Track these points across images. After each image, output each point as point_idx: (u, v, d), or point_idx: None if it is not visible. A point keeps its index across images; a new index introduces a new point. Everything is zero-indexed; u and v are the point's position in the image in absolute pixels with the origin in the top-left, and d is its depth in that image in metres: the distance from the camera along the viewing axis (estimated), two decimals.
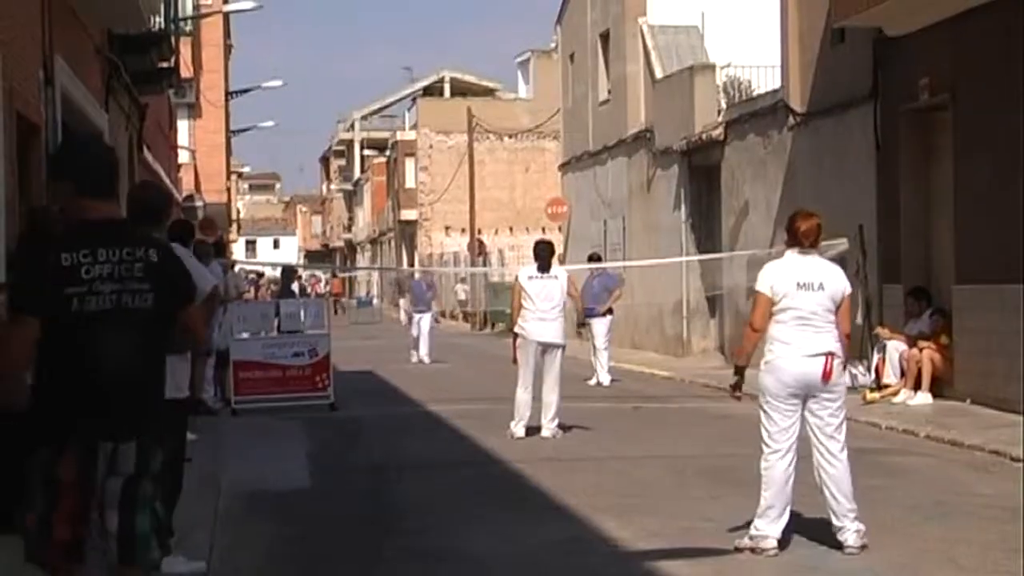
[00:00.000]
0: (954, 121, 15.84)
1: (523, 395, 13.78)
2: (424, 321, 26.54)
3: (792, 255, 8.16)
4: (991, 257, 14.85)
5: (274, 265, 60.04)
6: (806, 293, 7.98)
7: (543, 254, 14.16)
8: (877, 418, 14.53)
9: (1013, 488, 10.28)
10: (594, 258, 23.20)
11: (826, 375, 7.91)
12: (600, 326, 20.43)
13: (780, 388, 7.97)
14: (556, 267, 14.46)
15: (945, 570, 7.59)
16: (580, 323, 18.24)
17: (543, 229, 50.50)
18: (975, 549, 8.07)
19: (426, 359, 26.14)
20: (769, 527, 7.92)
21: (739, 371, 8.36)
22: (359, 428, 15.18)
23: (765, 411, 8.05)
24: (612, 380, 20.40)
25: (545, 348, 13.83)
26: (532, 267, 14.13)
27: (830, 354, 7.91)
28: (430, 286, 28.58)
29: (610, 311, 20.89)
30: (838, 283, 8.13)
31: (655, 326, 27.00)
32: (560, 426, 13.95)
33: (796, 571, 7.60)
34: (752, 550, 7.92)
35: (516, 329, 14.16)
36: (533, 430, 13.84)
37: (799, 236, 8.15)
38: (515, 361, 14.12)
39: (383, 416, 16.48)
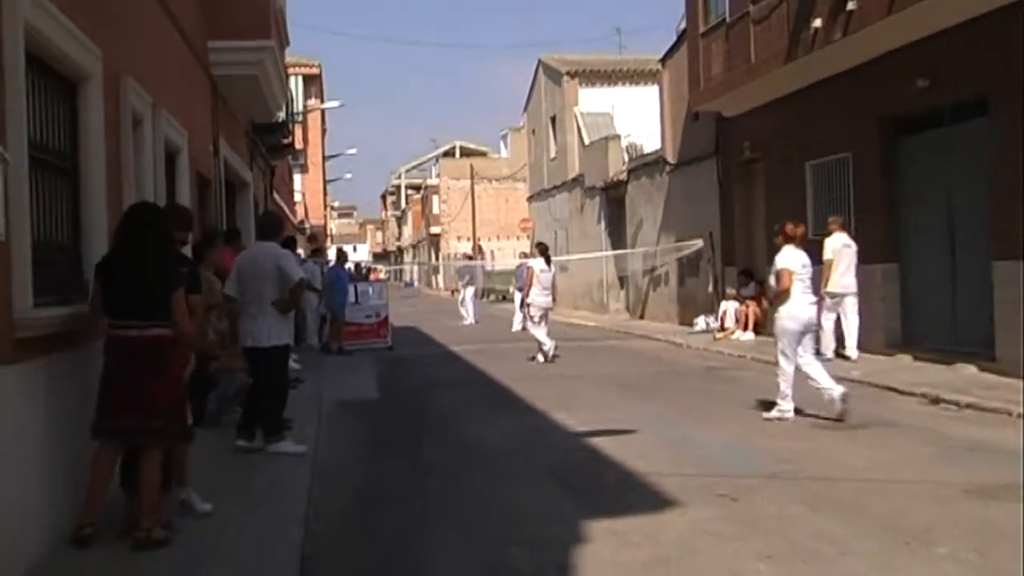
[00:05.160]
0: (765, 170, 15.89)
1: (543, 337, 13.83)
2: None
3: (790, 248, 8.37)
4: None
5: (354, 263, 60.21)
6: (805, 270, 8.35)
7: (548, 255, 14.19)
8: (722, 348, 14.65)
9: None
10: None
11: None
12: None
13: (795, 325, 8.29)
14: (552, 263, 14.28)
15: (760, 437, 7.66)
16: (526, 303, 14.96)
17: (517, 237, 50.63)
18: (780, 426, 8.16)
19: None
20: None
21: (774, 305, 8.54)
22: (406, 361, 15.13)
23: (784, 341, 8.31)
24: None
25: (547, 311, 14.02)
26: (541, 261, 14.07)
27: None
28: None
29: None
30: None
31: (586, 295, 27.03)
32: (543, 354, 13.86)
33: (676, 443, 7.62)
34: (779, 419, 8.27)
35: (529, 300, 13.97)
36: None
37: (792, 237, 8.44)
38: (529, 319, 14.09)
39: (421, 354, 16.42)
